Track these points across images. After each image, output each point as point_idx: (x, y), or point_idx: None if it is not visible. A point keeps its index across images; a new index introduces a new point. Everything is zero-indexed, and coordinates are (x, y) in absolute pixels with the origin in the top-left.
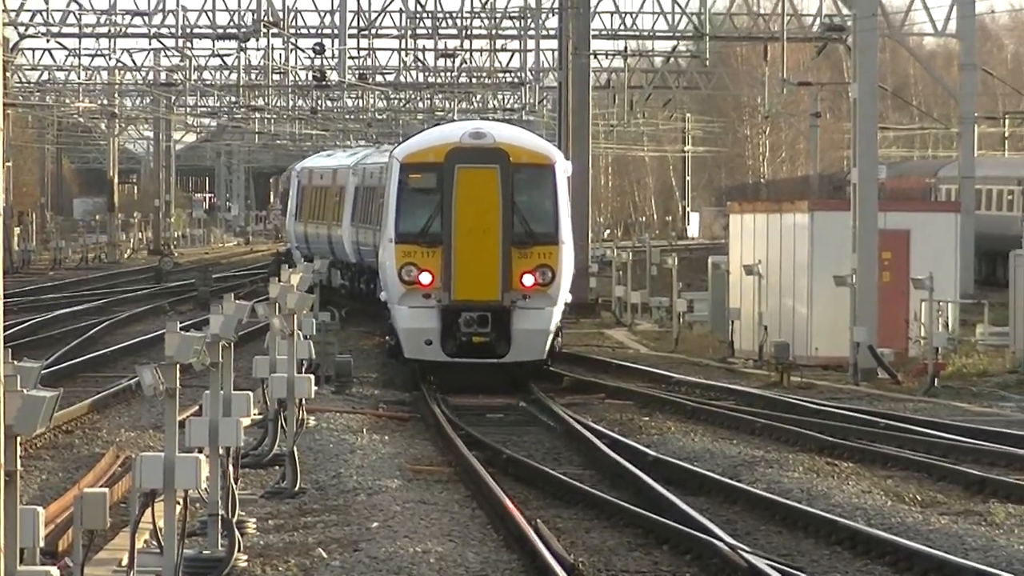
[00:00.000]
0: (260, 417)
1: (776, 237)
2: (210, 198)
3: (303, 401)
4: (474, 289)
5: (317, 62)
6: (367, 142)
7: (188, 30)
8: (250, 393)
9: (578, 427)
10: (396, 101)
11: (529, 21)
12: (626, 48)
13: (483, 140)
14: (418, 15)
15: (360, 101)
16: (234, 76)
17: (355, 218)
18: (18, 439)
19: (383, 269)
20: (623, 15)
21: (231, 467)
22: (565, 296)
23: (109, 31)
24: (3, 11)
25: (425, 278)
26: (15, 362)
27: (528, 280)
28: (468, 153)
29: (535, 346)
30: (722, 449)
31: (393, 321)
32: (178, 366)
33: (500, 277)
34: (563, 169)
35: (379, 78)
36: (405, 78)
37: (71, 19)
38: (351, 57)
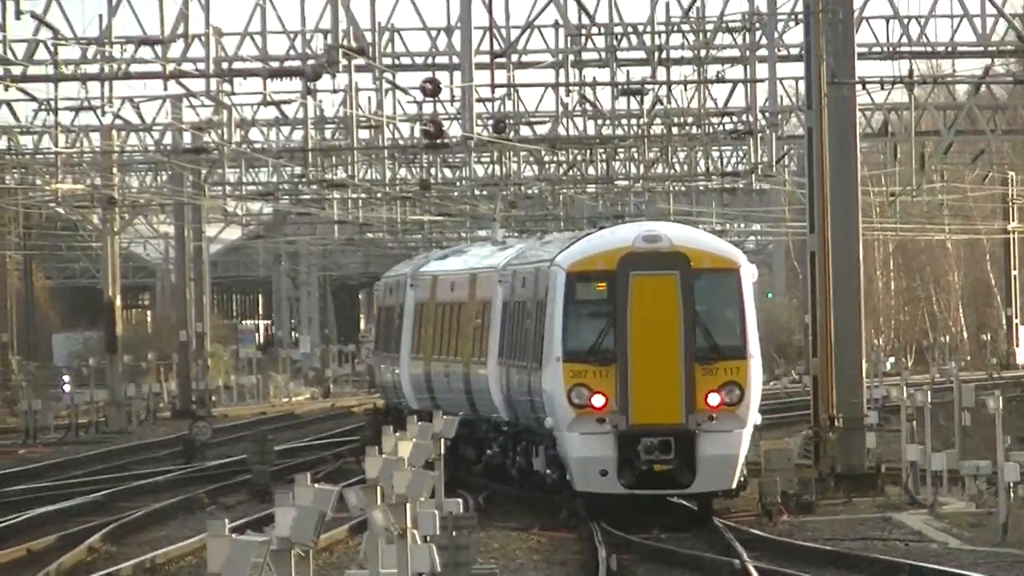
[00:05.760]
0: None
1: None
2: (266, 327)
3: None
4: (654, 412)
5: (428, 108)
6: (509, 233)
7: (226, 64)
8: None
9: None
10: (552, 167)
11: (759, 35)
12: (911, 72)
13: (659, 244)
14: (583, 31)
15: (496, 167)
16: (298, 134)
17: (504, 351)
18: None
19: (547, 394)
20: (905, 21)
21: None
22: (755, 417)
23: (102, 69)
24: None
25: (598, 400)
26: None
27: (714, 400)
28: (643, 259)
29: (724, 474)
30: None
31: (561, 450)
32: None
33: (683, 397)
34: (749, 274)
35: (525, 131)
36: (566, 129)
37: (41, 52)
38: (481, 99)
